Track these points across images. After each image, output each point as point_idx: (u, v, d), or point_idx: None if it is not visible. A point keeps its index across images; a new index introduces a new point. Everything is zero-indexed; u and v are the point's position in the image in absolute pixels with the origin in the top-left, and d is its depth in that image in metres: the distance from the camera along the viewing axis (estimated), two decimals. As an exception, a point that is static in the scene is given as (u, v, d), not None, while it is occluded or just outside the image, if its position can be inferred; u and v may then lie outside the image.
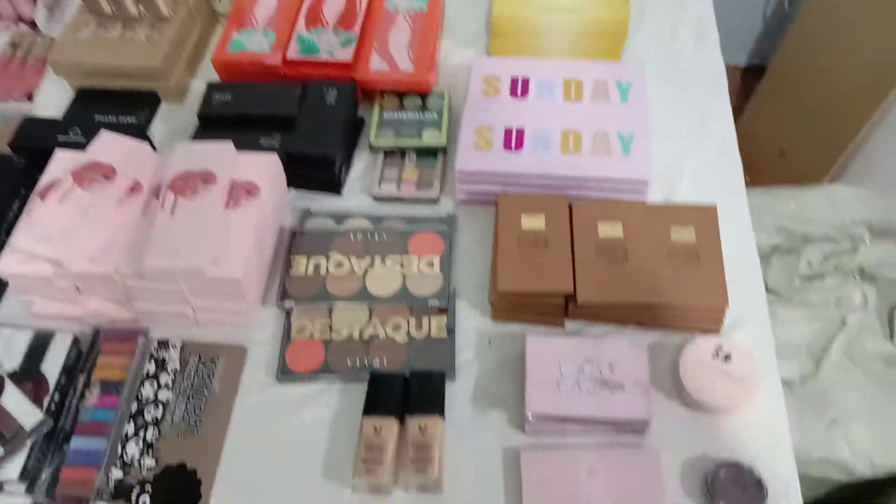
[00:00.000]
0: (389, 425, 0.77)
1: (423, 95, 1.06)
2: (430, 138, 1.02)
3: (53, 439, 0.81)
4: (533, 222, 0.89)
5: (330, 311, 0.89)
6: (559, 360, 0.79)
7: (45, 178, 0.88)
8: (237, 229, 0.84)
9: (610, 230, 0.87)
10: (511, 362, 0.84)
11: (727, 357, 0.80)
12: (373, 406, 0.79)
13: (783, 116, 1.82)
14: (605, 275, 0.84)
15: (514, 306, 0.85)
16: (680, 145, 1.03)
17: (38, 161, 0.92)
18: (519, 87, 1.03)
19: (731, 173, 1.01)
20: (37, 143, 0.98)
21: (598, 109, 0.99)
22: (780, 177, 1.57)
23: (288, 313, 0.89)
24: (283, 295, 0.89)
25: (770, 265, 1.13)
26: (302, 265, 0.91)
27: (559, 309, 0.85)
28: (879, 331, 1.13)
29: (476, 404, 0.82)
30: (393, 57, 1.06)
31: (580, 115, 0.99)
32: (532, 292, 0.83)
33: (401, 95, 1.06)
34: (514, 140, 0.96)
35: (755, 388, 0.79)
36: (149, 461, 0.79)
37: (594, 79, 1.02)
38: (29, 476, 0.78)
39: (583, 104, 1.00)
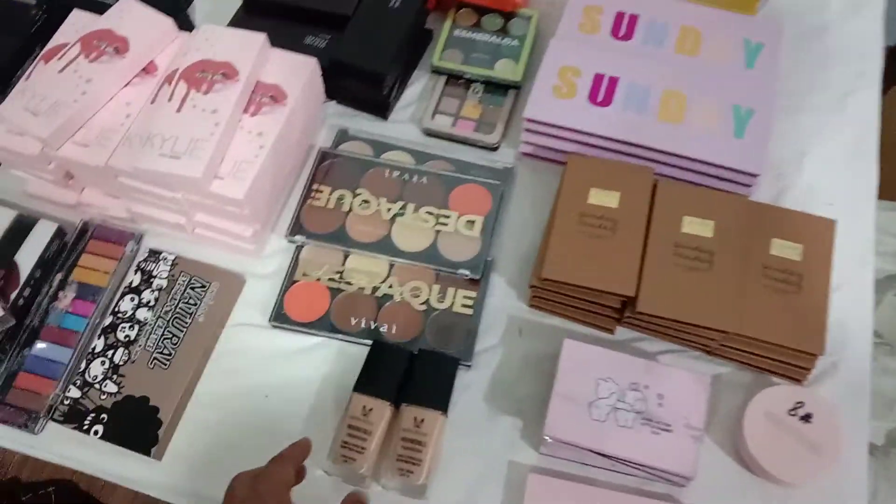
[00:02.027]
0: (381, 409, 0.65)
1: (508, 16, 0.88)
2: (504, 70, 0.85)
3: (16, 339, 0.72)
4: (603, 198, 0.72)
5: (345, 257, 0.76)
6: (598, 376, 0.65)
7: (54, 40, 0.76)
8: (252, 141, 0.71)
9: (697, 227, 0.70)
10: (540, 362, 0.70)
11: (806, 417, 0.64)
12: (367, 381, 0.67)
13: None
14: (679, 283, 0.67)
15: (557, 297, 0.71)
16: (806, 133, 0.83)
17: (61, 18, 0.79)
18: (623, 26, 0.84)
19: (862, 179, 0.81)
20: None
21: (715, 71, 0.80)
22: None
23: (297, 249, 0.77)
24: (296, 227, 0.76)
25: (882, 300, 0.93)
26: (324, 196, 0.78)
27: (612, 312, 0.70)
28: None
29: (489, 402, 0.69)
30: (480, -37, 0.88)
31: (691, 75, 0.79)
32: (582, 286, 0.68)
33: (480, 12, 0.89)
34: (602, 91, 0.78)
35: (832, 462, 0.63)
36: (111, 386, 0.70)
37: (718, 31, 0.82)
38: (-20, 376, 0.70)
39: (698, 61, 0.81)
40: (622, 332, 0.72)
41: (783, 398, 0.65)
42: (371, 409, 0.65)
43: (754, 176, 0.74)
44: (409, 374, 0.67)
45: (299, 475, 0.60)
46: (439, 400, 0.65)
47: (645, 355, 0.70)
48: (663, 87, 0.78)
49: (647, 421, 0.63)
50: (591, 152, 0.77)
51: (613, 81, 0.79)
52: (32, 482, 0.97)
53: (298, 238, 0.76)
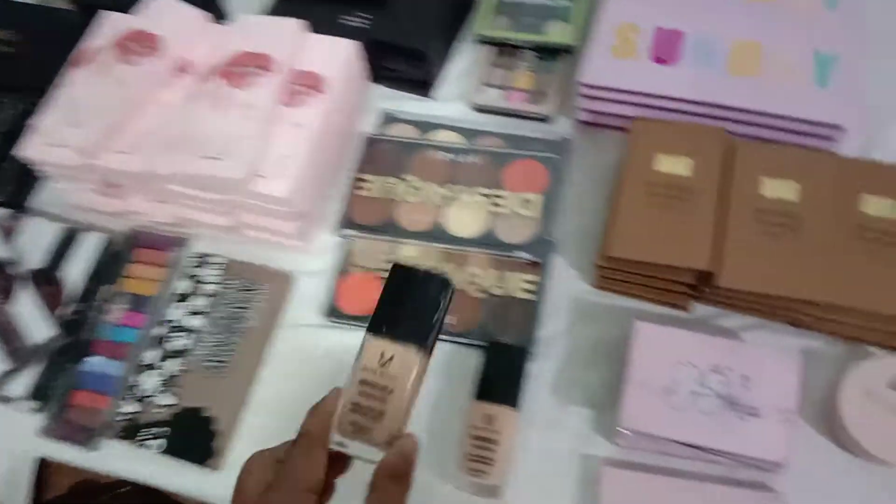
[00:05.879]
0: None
1: (555, -24, 0.82)
2: (556, 33, 0.79)
3: (70, 354, 0.71)
4: (674, 164, 0.66)
5: (396, 246, 0.72)
6: (676, 360, 0.59)
7: (85, 45, 0.75)
8: (291, 133, 0.67)
9: (780, 189, 0.64)
10: (611, 346, 0.65)
11: (917, 393, 0.57)
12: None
13: None
14: (764, 252, 0.61)
15: (626, 276, 0.65)
16: (899, 77, 0.74)
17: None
18: (683, -25, 0.76)
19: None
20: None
21: (791, 15, 0.72)
22: None
23: (348, 241, 0.73)
24: (346, 221, 0.73)
25: None
26: (371, 185, 0.74)
27: (687, 288, 0.64)
28: None
29: (557, 393, 0.65)
30: (521, -80, 0.82)
31: (764, 21, 0.72)
32: (654, 263, 0.62)
33: (526, -27, 0.83)
34: (665, 47, 0.72)
35: (952, 442, 0.56)
36: (168, 398, 0.68)
37: (792, -30, 0.74)
38: (41, 395, 0.69)
39: (770, 5, 0.73)
40: (699, 309, 0.67)
41: (884, 370, 0.58)
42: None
43: (841, 129, 0.67)
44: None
45: (332, 474, 0.45)
46: (511, 395, 0.61)
47: (725, 332, 0.64)
48: (734, 38, 0.71)
49: (732, 405, 0.57)
50: (658, 115, 0.71)
51: (677, 35, 0.72)
52: (109, 483, 0.97)
53: (348, 232, 0.73)
